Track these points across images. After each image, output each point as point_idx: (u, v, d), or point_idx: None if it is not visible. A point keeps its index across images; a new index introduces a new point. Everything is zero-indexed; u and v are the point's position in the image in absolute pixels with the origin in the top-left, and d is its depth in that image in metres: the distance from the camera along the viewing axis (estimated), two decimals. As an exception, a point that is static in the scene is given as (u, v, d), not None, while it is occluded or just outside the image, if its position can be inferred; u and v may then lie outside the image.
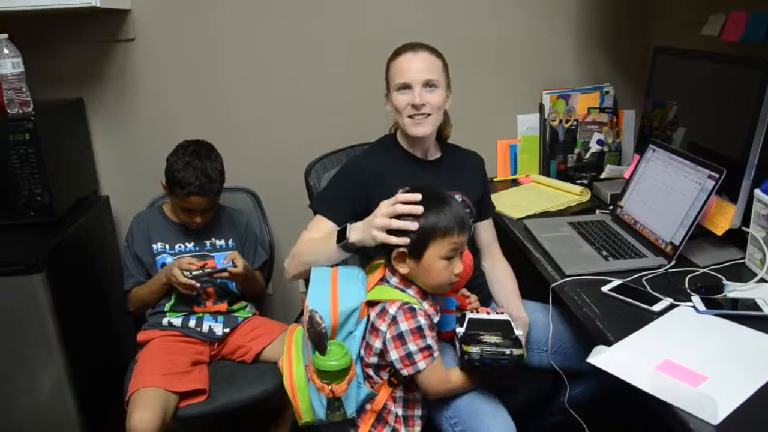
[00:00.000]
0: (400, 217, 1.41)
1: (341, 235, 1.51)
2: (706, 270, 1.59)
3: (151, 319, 2.00)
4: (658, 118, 2.08)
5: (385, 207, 1.44)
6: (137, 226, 2.04)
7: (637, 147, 2.31)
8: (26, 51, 1.95)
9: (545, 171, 2.45)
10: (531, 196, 2.26)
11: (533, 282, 1.74)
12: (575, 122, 2.39)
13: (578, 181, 2.35)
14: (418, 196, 1.41)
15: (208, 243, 2.04)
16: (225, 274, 1.90)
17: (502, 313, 1.55)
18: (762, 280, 1.51)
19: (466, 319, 1.50)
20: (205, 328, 1.97)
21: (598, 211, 2.05)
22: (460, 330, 1.47)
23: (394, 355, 1.43)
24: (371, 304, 1.48)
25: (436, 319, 1.49)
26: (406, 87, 1.67)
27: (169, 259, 1.98)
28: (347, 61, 2.37)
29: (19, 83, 1.92)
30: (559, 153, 2.42)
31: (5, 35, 1.89)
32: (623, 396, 1.69)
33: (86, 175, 2.33)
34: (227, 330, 2.00)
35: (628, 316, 1.40)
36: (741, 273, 1.58)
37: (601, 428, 1.68)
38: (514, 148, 2.48)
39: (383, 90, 1.77)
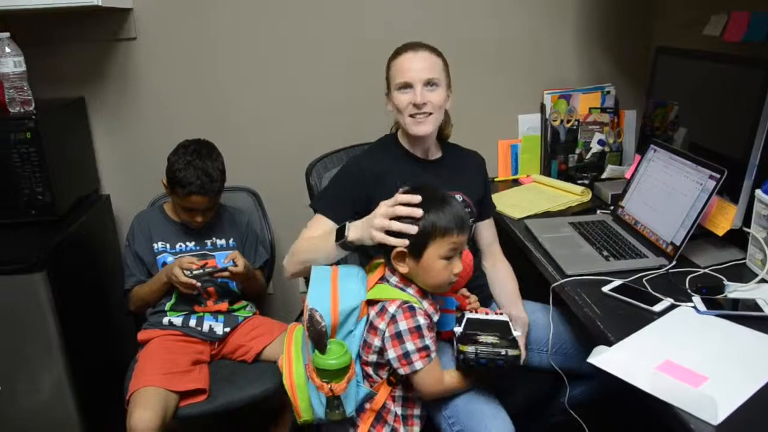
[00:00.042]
0: (399, 218, 1.41)
1: (340, 233, 1.51)
2: (706, 270, 1.59)
3: (152, 319, 2.00)
4: (660, 118, 2.08)
5: (384, 207, 1.43)
6: (138, 225, 2.04)
7: (638, 147, 2.31)
8: (28, 50, 1.95)
9: (546, 171, 2.45)
10: (532, 196, 2.26)
11: (534, 282, 1.74)
12: (576, 122, 2.39)
13: (579, 182, 2.34)
14: (418, 198, 1.41)
15: (208, 242, 2.04)
16: (226, 273, 1.90)
17: (502, 313, 1.55)
18: (763, 281, 1.51)
19: (465, 319, 1.50)
20: (205, 327, 1.97)
21: (599, 212, 2.05)
22: (458, 329, 1.47)
23: (391, 353, 1.43)
24: (371, 303, 1.49)
25: (435, 318, 1.49)
26: (407, 86, 1.67)
27: (170, 259, 1.98)
28: (347, 61, 2.37)
29: (20, 82, 1.92)
30: (560, 153, 2.42)
31: (7, 34, 1.89)
32: (623, 396, 1.69)
33: (87, 174, 2.33)
34: (228, 329, 2.00)
35: (628, 317, 1.40)
36: (742, 273, 1.58)
37: (602, 429, 1.68)
38: (515, 148, 2.48)
39: (384, 90, 1.77)
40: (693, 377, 1.16)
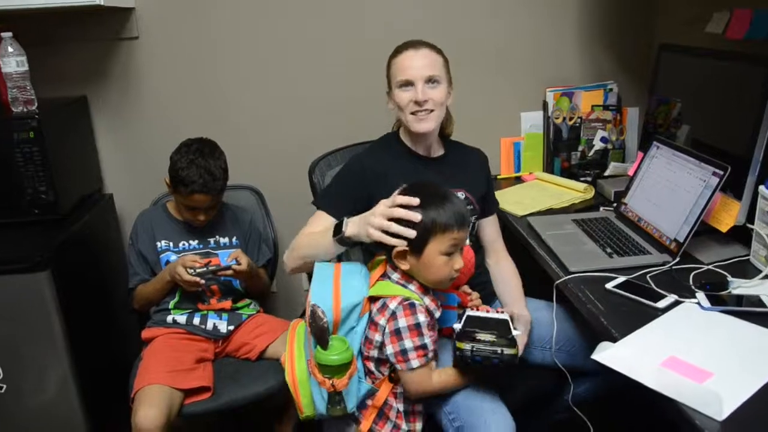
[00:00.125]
0: (398, 220, 1.41)
1: (337, 229, 1.52)
2: (710, 267, 1.59)
3: (156, 317, 2.01)
4: (662, 115, 2.08)
5: (383, 207, 1.43)
6: (141, 224, 2.04)
7: (641, 144, 2.31)
8: (30, 49, 1.95)
9: (549, 168, 2.45)
10: (535, 193, 2.26)
11: (537, 279, 1.74)
12: (579, 120, 2.38)
13: (582, 179, 2.34)
14: (416, 201, 1.41)
15: (212, 241, 2.04)
16: (229, 271, 1.90)
17: (503, 312, 1.55)
18: (766, 277, 1.51)
19: (464, 316, 1.51)
20: (209, 325, 1.98)
21: (602, 209, 2.05)
22: (457, 326, 1.48)
23: (390, 349, 1.44)
24: (373, 299, 1.49)
25: (437, 315, 1.50)
26: (408, 84, 1.67)
27: (173, 257, 1.98)
28: (349, 60, 2.37)
29: (23, 81, 1.93)
30: (562, 150, 2.42)
31: (9, 34, 1.89)
32: (627, 394, 1.70)
33: (90, 173, 2.33)
34: (231, 327, 2.00)
35: (632, 313, 1.40)
36: (745, 270, 1.58)
37: (605, 426, 1.68)
38: (518, 145, 2.48)
39: (384, 88, 1.77)
40: (698, 373, 1.16)
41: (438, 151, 1.81)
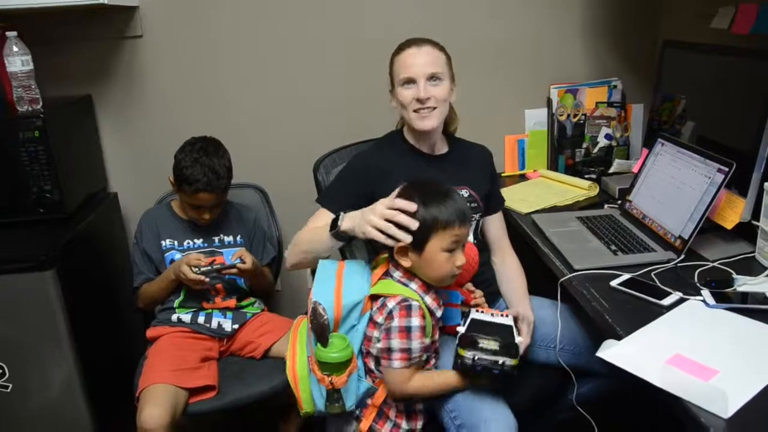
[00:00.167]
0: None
1: (334, 223, 1.53)
2: (715, 264, 1.58)
3: (161, 316, 2.01)
4: (667, 112, 2.07)
5: (382, 207, 1.43)
6: (146, 223, 2.05)
7: (645, 141, 2.30)
8: (35, 48, 1.95)
9: (553, 166, 2.44)
10: (539, 190, 2.26)
11: (542, 277, 1.74)
12: (583, 117, 2.38)
13: (586, 176, 2.34)
14: (414, 207, 1.41)
15: (216, 239, 2.05)
16: (234, 270, 1.91)
17: (508, 315, 1.54)
18: (772, 274, 1.51)
19: (469, 319, 1.51)
20: (214, 324, 1.98)
21: (606, 206, 2.05)
22: (461, 329, 1.47)
23: (378, 345, 1.45)
24: (374, 298, 1.49)
25: (438, 314, 1.50)
26: (411, 81, 1.67)
27: (177, 256, 1.98)
28: (351, 59, 2.37)
29: (28, 81, 1.93)
30: (567, 148, 2.41)
31: (14, 33, 1.90)
32: (632, 393, 1.70)
33: (95, 172, 2.34)
34: (236, 326, 2.00)
35: (637, 311, 1.39)
36: (751, 267, 1.57)
37: (610, 426, 1.68)
38: (522, 143, 2.48)
39: (387, 87, 1.77)
40: (703, 371, 1.16)
41: (442, 149, 1.81)
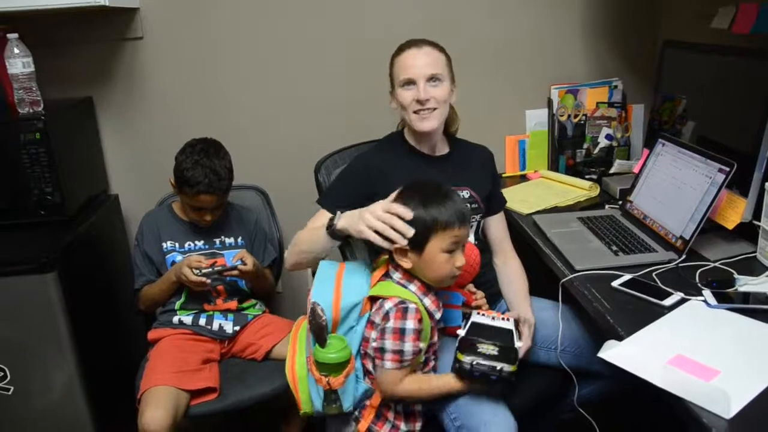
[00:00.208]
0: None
1: (331, 222, 1.54)
2: (716, 264, 1.58)
3: (162, 318, 2.01)
4: (668, 112, 2.07)
5: (380, 210, 1.43)
6: (147, 224, 2.05)
7: (646, 141, 2.30)
8: (36, 50, 1.95)
9: (554, 166, 2.44)
10: (540, 191, 2.26)
11: (544, 278, 1.74)
12: (584, 117, 2.38)
13: (587, 176, 2.34)
14: (410, 214, 1.41)
15: (217, 241, 2.05)
16: (235, 272, 1.91)
17: (509, 318, 1.54)
18: (773, 274, 1.50)
19: (469, 322, 1.51)
20: (215, 326, 1.98)
21: (607, 206, 2.05)
22: (461, 332, 1.48)
23: (374, 344, 1.45)
24: (373, 299, 1.49)
25: (437, 316, 1.50)
26: (411, 83, 1.67)
27: (178, 258, 1.98)
28: (352, 59, 2.37)
29: (29, 83, 1.93)
30: (567, 148, 2.41)
31: (15, 35, 1.90)
32: (633, 395, 1.70)
33: (96, 174, 2.34)
34: (237, 328, 2.00)
35: (638, 311, 1.39)
36: (752, 267, 1.57)
37: (611, 427, 1.67)
38: (523, 143, 2.48)
39: (388, 88, 1.77)
40: (705, 371, 1.16)
41: (443, 150, 1.81)
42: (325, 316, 1.43)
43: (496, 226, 1.85)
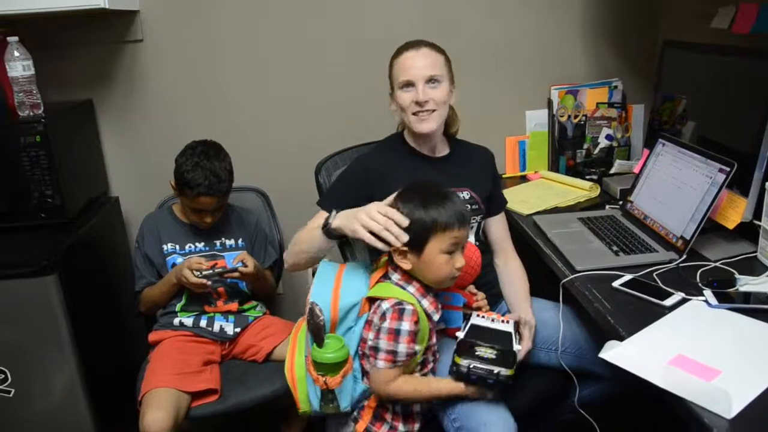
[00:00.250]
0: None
1: (327, 221, 1.54)
2: (717, 264, 1.58)
3: (163, 320, 2.01)
4: (668, 112, 2.07)
5: (375, 212, 1.43)
6: (147, 227, 2.05)
7: (646, 142, 2.30)
8: (36, 53, 1.95)
9: (554, 167, 2.44)
10: (540, 192, 2.26)
11: (544, 278, 1.74)
12: (584, 118, 2.38)
13: (587, 177, 2.34)
14: (406, 222, 1.41)
15: (218, 243, 2.05)
16: (236, 274, 1.91)
17: (508, 321, 1.54)
18: (774, 274, 1.50)
19: (468, 324, 1.50)
20: (216, 327, 1.98)
21: (607, 207, 2.05)
22: (460, 334, 1.47)
23: (370, 343, 1.45)
24: (371, 300, 1.49)
25: (435, 317, 1.49)
26: (409, 84, 1.67)
27: (179, 260, 1.98)
28: (352, 60, 2.37)
29: (29, 86, 1.93)
30: (567, 149, 2.41)
31: (15, 38, 1.90)
32: (634, 396, 1.69)
33: (96, 177, 2.34)
34: (238, 329, 2.00)
35: (639, 311, 1.39)
36: (753, 267, 1.57)
37: (612, 427, 1.67)
38: (523, 144, 2.48)
39: (388, 89, 1.77)
40: (706, 371, 1.15)
41: (443, 151, 1.81)
42: (323, 316, 1.44)
43: (497, 227, 1.85)
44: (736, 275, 1.51)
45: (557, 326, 1.67)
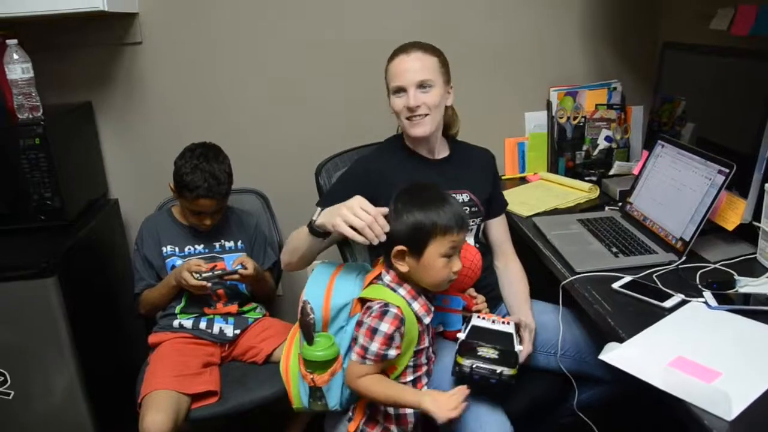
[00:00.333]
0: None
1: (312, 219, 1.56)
2: (717, 265, 1.58)
3: (162, 322, 2.01)
4: (667, 113, 2.08)
5: (358, 207, 1.44)
6: (147, 229, 2.05)
7: (645, 143, 2.30)
8: (35, 56, 1.95)
9: (553, 168, 2.44)
10: (539, 193, 2.26)
11: (544, 280, 1.74)
12: (583, 119, 2.38)
13: (587, 178, 2.34)
14: (387, 228, 1.42)
15: (217, 245, 2.05)
16: (236, 276, 1.91)
17: (509, 322, 1.54)
18: (774, 275, 1.50)
19: (469, 326, 1.50)
20: (215, 329, 1.98)
21: (607, 208, 2.05)
22: (461, 336, 1.47)
23: (354, 334, 1.47)
24: (363, 301, 1.49)
25: (426, 320, 1.49)
26: (401, 90, 1.67)
27: (178, 262, 1.98)
28: (351, 61, 2.37)
29: (28, 88, 1.93)
30: (567, 150, 2.41)
31: (15, 40, 1.90)
32: (634, 398, 1.69)
33: (96, 179, 2.34)
34: (238, 331, 2.00)
35: (639, 313, 1.39)
36: (753, 268, 1.57)
37: (611, 431, 1.67)
38: (522, 145, 2.48)
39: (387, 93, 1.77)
40: (706, 373, 1.16)
41: (443, 153, 1.81)
42: (314, 315, 1.47)
43: (498, 229, 1.85)
44: (736, 277, 1.51)
45: (557, 329, 1.67)
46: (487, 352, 1.43)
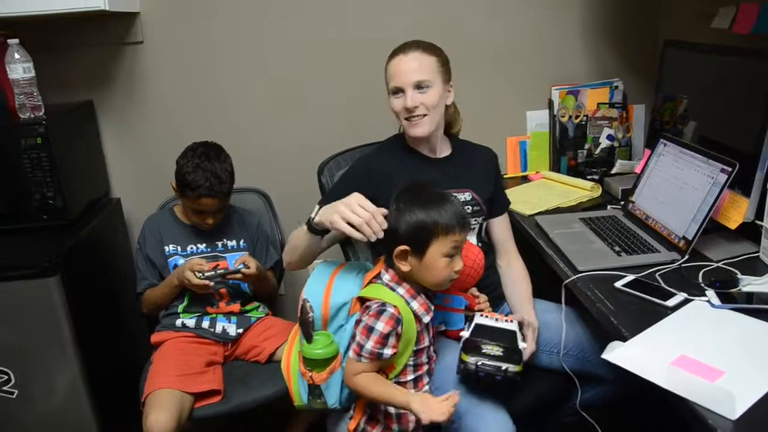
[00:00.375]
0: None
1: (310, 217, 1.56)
2: (720, 264, 1.58)
3: (165, 321, 2.01)
4: (669, 112, 2.07)
5: (355, 206, 1.44)
6: (149, 228, 2.05)
7: (647, 142, 2.30)
8: (37, 55, 1.95)
9: (555, 167, 2.44)
10: (542, 192, 2.26)
11: (547, 279, 1.73)
12: (585, 118, 2.38)
13: (589, 177, 2.33)
14: (385, 225, 1.42)
15: (219, 244, 2.05)
16: (238, 275, 1.91)
17: (512, 320, 1.54)
18: (777, 274, 1.50)
19: (473, 324, 1.51)
20: (218, 328, 1.98)
21: (609, 207, 2.05)
22: (465, 334, 1.48)
23: (353, 332, 1.48)
24: (362, 300, 1.50)
25: (426, 319, 1.49)
26: (399, 90, 1.67)
27: (180, 261, 1.98)
28: (352, 60, 2.37)
29: (30, 88, 1.93)
30: (569, 149, 2.41)
31: (16, 40, 1.90)
32: (637, 397, 1.69)
33: (98, 178, 2.34)
34: (240, 330, 2.00)
35: (642, 312, 1.39)
36: (755, 267, 1.57)
37: (614, 430, 1.67)
38: (524, 144, 2.48)
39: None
40: (709, 372, 1.16)
41: (444, 151, 1.81)
42: (313, 313, 1.48)
43: (500, 228, 1.85)
44: (739, 275, 1.51)
45: (560, 328, 1.66)
46: (492, 349, 1.43)
